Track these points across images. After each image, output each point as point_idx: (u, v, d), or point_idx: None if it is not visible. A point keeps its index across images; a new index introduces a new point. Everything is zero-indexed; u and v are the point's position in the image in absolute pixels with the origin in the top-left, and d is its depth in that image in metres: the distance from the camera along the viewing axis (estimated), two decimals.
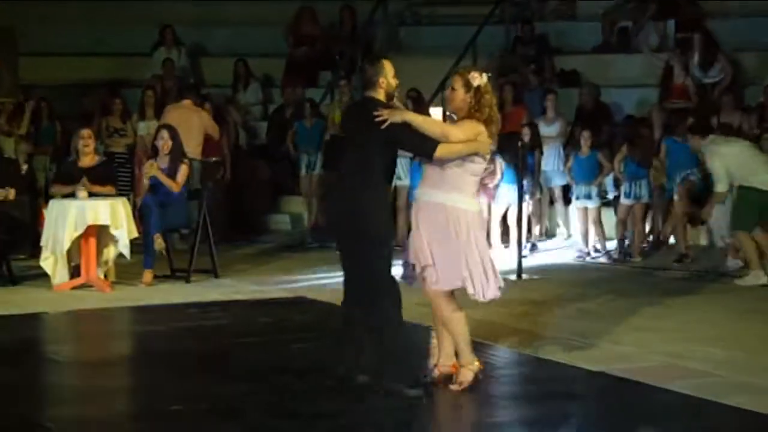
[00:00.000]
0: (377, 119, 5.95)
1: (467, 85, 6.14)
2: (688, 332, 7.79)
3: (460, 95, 6.15)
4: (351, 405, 5.93)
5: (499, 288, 6.13)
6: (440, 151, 5.99)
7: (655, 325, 8.04)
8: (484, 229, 6.36)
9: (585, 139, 11.53)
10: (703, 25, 13.50)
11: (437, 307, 6.17)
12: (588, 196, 11.52)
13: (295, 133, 12.95)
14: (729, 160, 9.88)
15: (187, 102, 12.03)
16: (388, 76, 6.13)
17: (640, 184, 11.25)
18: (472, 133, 6.05)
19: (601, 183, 11.62)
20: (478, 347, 6.80)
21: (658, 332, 7.77)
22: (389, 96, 6.16)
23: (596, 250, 11.49)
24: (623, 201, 11.36)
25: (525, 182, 10.81)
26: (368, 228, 6.00)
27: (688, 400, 6.04)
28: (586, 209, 11.54)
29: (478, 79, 6.14)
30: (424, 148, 6.04)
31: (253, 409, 5.90)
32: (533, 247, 11.69)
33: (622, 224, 11.37)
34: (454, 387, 6.19)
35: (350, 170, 6.11)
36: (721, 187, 9.94)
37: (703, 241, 11.52)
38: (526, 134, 11.50)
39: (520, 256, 10.33)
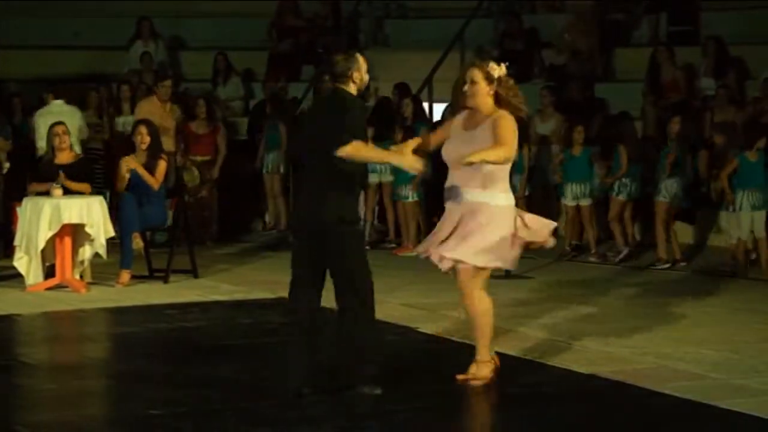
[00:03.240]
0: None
1: (488, 78, 6.08)
2: (680, 333, 7.76)
3: (483, 88, 6.09)
4: (335, 410, 5.83)
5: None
6: (349, 150, 5.87)
7: (647, 326, 7.99)
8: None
9: (578, 134, 11.37)
10: (698, 17, 13.38)
11: (467, 296, 6.12)
12: (583, 194, 11.36)
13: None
14: None
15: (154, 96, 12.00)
16: (361, 71, 6.04)
17: (633, 181, 11.13)
18: (513, 142, 6.07)
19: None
20: (464, 348, 6.69)
21: (649, 333, 7.72)
22: (360, 92, 6.07)
23: (587, 249, 11.33)
24: (616, 198, 11.21)
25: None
26: (332, 231, 5.92)
27: (681, 403, 6.00)
28: (577, 207, 11.38)
29: (497, 69, 6.10)
30: (338, 139, 5.89)
31: (233, 413, 5.83)
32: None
33: (613, 222, 11.23)
34: (472, 382, 6.15)
35: (314, 165, 6.02)
36: None
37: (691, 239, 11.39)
38: None
39: None
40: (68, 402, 6.14)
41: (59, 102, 11.96)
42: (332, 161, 5.90)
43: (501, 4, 14.55)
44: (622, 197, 11.18)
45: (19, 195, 10.03)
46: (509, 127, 6.07)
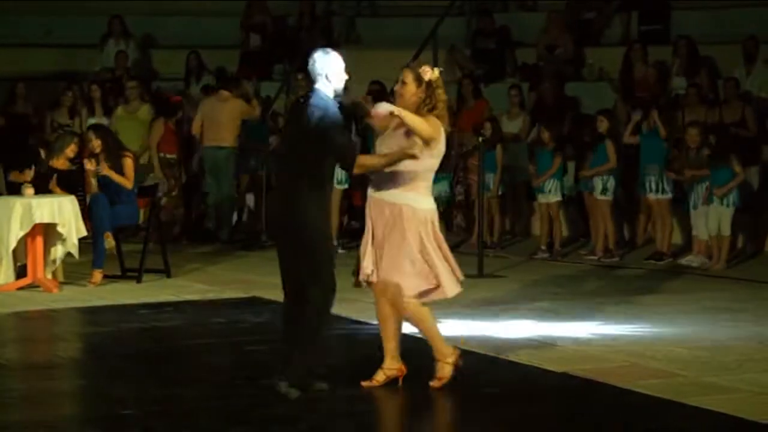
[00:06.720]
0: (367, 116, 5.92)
1: (418, 80, 6.06)
2: (651, 331, 7.78)
3: (411, 89, 6.06)
4: (307, 409, 5.84)
5: (460, 283, 6.10)
6: (359, 167, 5.97)
7: (619, 324, 8.02)
8: (437, 224, 6.19)
9: (543, 134, 11.39)
10: (668, 17, 13.47)
11: (399, 306, 6.05)
12: (550, 191, 11.38)
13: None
14: None
15: (224, 94, 12.09)
16: (337, 71, 6.01)
17: (611, 180, 11.15)
18: (437, 133, 6.00)
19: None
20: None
21: (622, 332, 7.75)
22: (336, 92, 6.04)
23: (557, 247, 11.36)
24: (596, 197, 11.24)
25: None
26: (305, 232, 5.91)
27: (652, 401, 6.02)
28: (548, 205, 11.42)
29: (430, 73, 6.07)
30: (345, 158, 5.95)
31: (206, 413, 5.84)
32: (495, 244, 11.56)
33: (592, 219, 11.28)
34: (434, 384, 6.10)
35: (290, 169, 6.01)
36: None
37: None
38: (487, 129, 11.42)
39: (482, 254, 10.18)
40: (40, 402, 6.12)
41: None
42: (308, 166, 5.89)
43: (473, 3, 14.58)
44: (602, 196, 11.18)
45: None
46: (433, 123, 5.98)
